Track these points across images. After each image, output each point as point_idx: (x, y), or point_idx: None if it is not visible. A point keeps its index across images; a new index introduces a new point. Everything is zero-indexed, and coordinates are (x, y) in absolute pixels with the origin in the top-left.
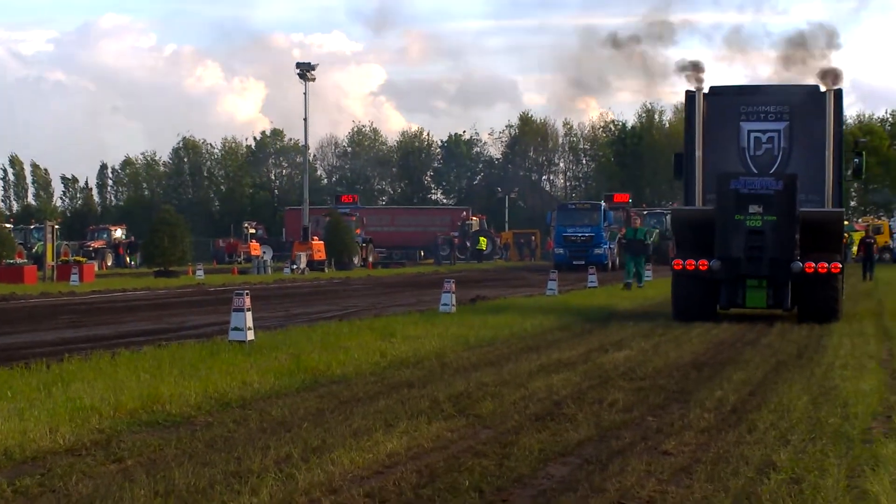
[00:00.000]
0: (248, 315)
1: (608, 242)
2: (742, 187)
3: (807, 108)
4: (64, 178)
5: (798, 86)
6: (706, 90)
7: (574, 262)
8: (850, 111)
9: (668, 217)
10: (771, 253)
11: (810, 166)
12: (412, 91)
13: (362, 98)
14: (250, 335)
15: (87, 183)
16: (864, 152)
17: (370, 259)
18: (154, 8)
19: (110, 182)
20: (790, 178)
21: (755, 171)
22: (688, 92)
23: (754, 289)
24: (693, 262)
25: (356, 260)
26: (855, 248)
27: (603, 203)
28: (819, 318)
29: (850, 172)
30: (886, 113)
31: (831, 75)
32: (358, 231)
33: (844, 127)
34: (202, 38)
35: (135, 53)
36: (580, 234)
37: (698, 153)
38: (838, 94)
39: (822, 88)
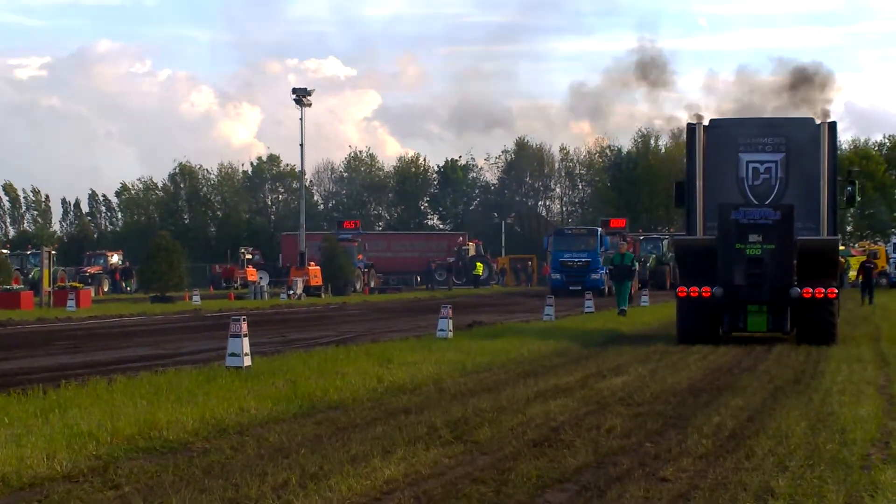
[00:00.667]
0: (245, 341)
1: (604, 268)
2: (742, 218)
3: (802, 139)
4: (64, 202)
5: (794, 119)
6: (706, 122)
7: (571, 287)
8: (846, 136)
9: (665, 242)
10: (771, 280)
11: (806, 196)
12: (406, 116)
13: (357, 123)
14: (247, 361)
15: (78, 206)
16: (856, 181)
17: (371, 284)
18: (148, 33)
19: (103, 208)
20: (788, 209)
21: (754, 200)
22: (689, 124)
23: (755, 314)
24: (697, 289)
25: (358, 285)
26: (853, 273)
27: (599, 228)
28: (817, 340)
29: (844, 199)
30: (884, 137)
31: (823, 111)
32: (360, 256)
33: (840, 152)
34: (197, 64)
35: (129, 79)
36: (577, 260)
37: (699, 183)
38: (832, 127)
39: (818, 121)
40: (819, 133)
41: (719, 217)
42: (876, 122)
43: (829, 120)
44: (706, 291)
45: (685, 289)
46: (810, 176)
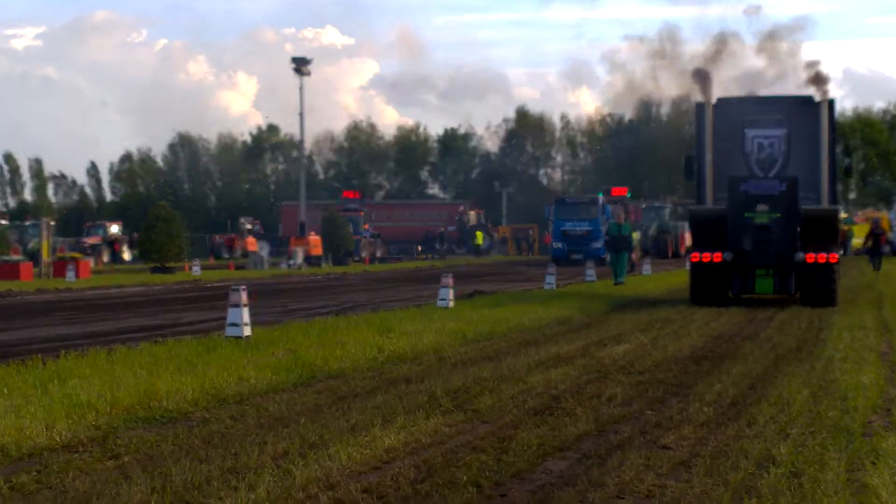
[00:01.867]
0: (245, 311)
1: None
2: (750, 189)
3: (803, 115)
4: (54, 177)
5: (795, 96)
6: (714, 101)
7: (573, 257)
8: (847, 103)
9: (667, 211)
10: (776, 246)
11: (807, 167)
12: (403, 85)
13: (354, 92)
14: (247, 331)
15: (74, 181)
16: (853, 153)
17: (378, 254)
18: (144, 4)
19: (107, 178)
20: (792, 181)
21: (759, 172)
22: (697, 103)
23: (762, 277)
24: (709, 254)
25: (364, 254)
26: (857, 241)
27: (601, 197)
28: (819, 302)
29: (843, 170)
30: (888, 105)
31: (820, 81)
32: (366, 226)
33: (843, 119)
34: (192, 34)
35: (126, 49)
36: (578, 229)
37: (708, 157)
38: (831, 104)
39: (817, 98)
40: (819, 109)
41: (729, 188)
42: (875, 87)
43: (827, 98)
44: (717, 257)
45: (698, 254)
46: (811, 149)
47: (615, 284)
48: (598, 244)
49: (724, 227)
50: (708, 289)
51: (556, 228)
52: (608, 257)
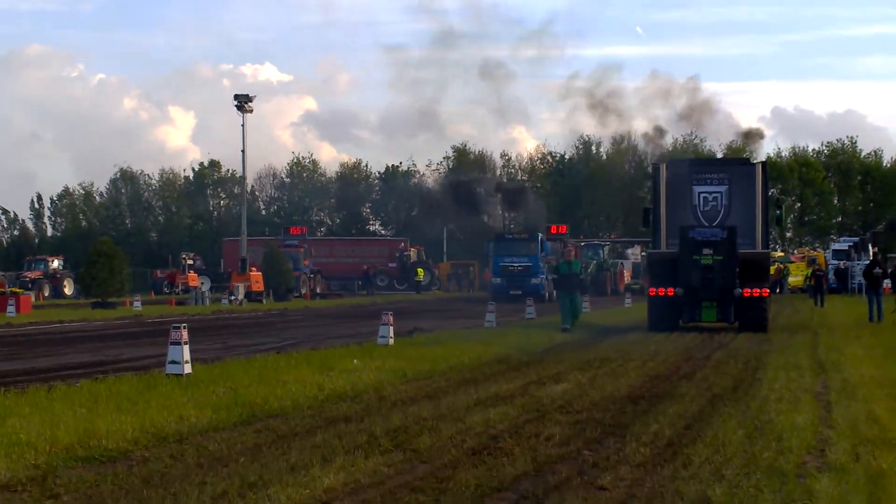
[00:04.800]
0: (186, 348)
1: (545, 273)
2: (697, 236)
3: (741, 174)
4: (4, 211)
5: (735, 159)
6: (666, 163)
7: (511, 292)
8: (785, 144)
9: (606, 249)
10: (719, 282)
11: (745, 218)
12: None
13: (290, 128)
14: (187, 368)
15: (16, 215)
16: (783, 206)
17: (318, 290)
18: (81, 38)
19: (48, 213)
20: (731, 229)
21: (704, 222)
22: (654, 164)
23: (708, 308)
24: (663, 289)
25: (304, 290)
26: (793, 279)
27: (540, 233)
28: (754, 328)
29: (774, 221)
30: (821, 145)
31: (753, 136)
32: (306, 262)
33: (780, 160)
34: (130, 69)
35: (62, 84)
36: (517, 264)
37: (663, 210)
38: (763, 165)
39: (753, 161)
40: (754, 170)
41: (680, 235)
42: (804, 126)
43: (760, 160)
44: (671, 291)
45: (654, 289)
46: (747, 202)
47: (562, 331)
48: (538, 280)
49: (676, 267)
50: (663, 317)
51: (496, 264)
52: (552, 294)
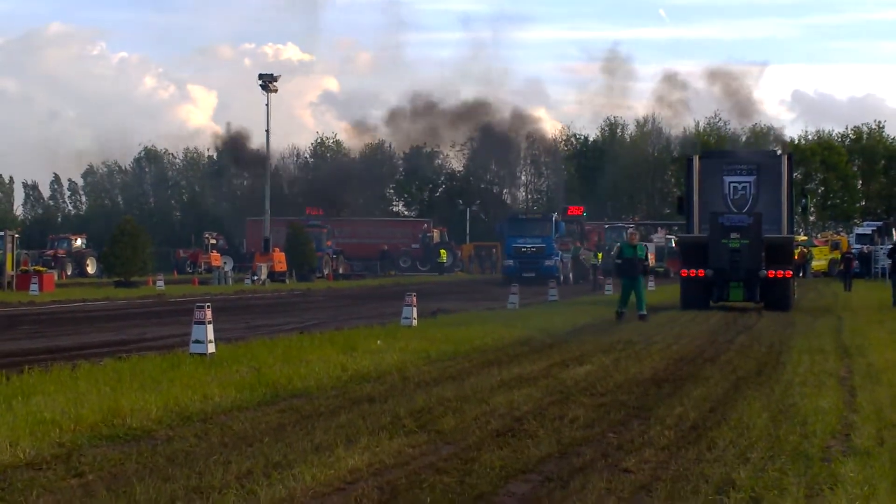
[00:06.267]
0: (209, 328)
1: (560, 254)
2: (726, 221)
3: (768, 165)
4: (25, 185)
5: (763, 151)
6: (699, 154)
7: (524, 274)
8: (805, 128)
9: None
10: (746, 264)
11: (771, 205)
12: (355, 102)
13: (312, 108)
14: (211, 348)
15: (36, 188)
16: (808, 195)
17: (340, 270)
18: (103, 18)
19: (67, 192)
20: (757, 215)
21: (734, 209)
22: (687, 156)
23: (735, 288)
24: (694, 271)
25: (326, 271)
26: (816, 263)
27: (554, 214)
28: (778, 307)
29: (799, 210)
30: (847, 129)
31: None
32: (329, 243)
33: (805, 143)
34: (151, 48)
35: (84, 62)
36: (530, 246)
37: (695, 198)
38: (790, 157)
39: (779, 152)
40: (780, 162)
41: (710, 221)
42: (824, 111)
43: (786, 153)
44: (701, 273)
45: (686, 270)
46: (774, 191)
47: (617, 314)
48: (551, 262)
49: (707, 250)
50: (693, 297)
51: (508, 245)
52: (567, 275)
